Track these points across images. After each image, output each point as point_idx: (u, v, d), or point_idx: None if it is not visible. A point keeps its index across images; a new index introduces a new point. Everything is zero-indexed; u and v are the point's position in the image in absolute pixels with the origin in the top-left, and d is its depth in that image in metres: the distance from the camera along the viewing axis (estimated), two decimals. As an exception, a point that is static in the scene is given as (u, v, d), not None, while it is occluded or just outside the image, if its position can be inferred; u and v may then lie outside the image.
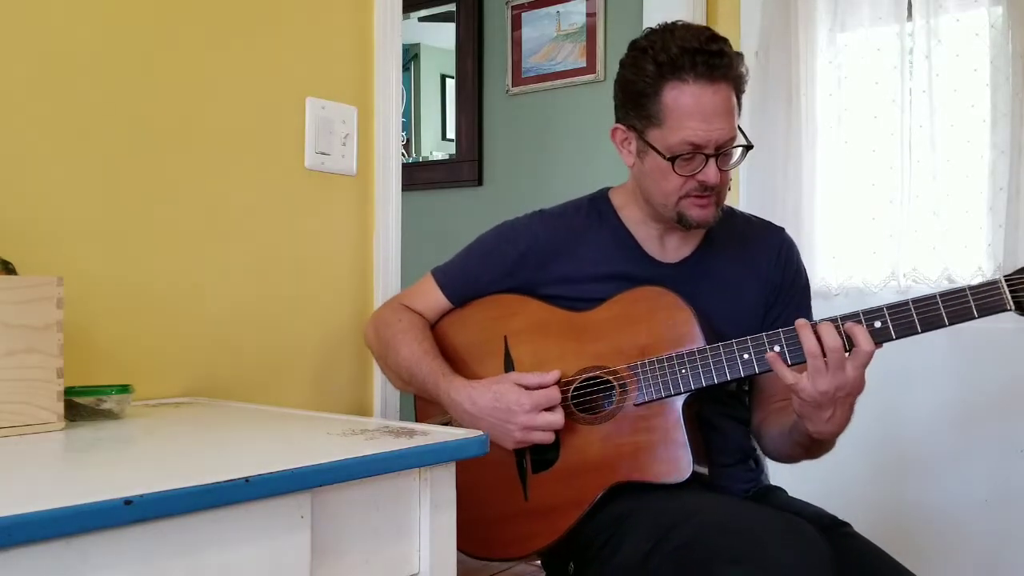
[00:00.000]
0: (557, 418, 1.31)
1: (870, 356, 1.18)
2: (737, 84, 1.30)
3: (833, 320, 1.20)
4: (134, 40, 1.35)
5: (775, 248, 1.45)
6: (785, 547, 1.07)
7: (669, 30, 1.30)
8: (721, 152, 1.29)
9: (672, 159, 1.29)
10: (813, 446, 1.30)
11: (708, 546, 1.11)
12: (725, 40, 1.30)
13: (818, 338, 1.18)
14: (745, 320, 1.33)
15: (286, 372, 1.56)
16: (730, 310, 1.37)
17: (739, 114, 1.32)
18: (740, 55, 1.31)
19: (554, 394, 1.31)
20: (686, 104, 1.27)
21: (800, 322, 1.21)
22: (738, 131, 1.31)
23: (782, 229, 1.50)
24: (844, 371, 1.17)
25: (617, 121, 1.38)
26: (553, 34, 3.01)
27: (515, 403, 1.30)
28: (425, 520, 0.97)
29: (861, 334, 1.17)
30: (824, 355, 1.17)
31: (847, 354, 1.18)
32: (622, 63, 1.35)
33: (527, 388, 1.31)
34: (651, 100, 1.29)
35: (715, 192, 1.32)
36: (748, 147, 1.33)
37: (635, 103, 1.32)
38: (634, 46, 1.33)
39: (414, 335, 1.42)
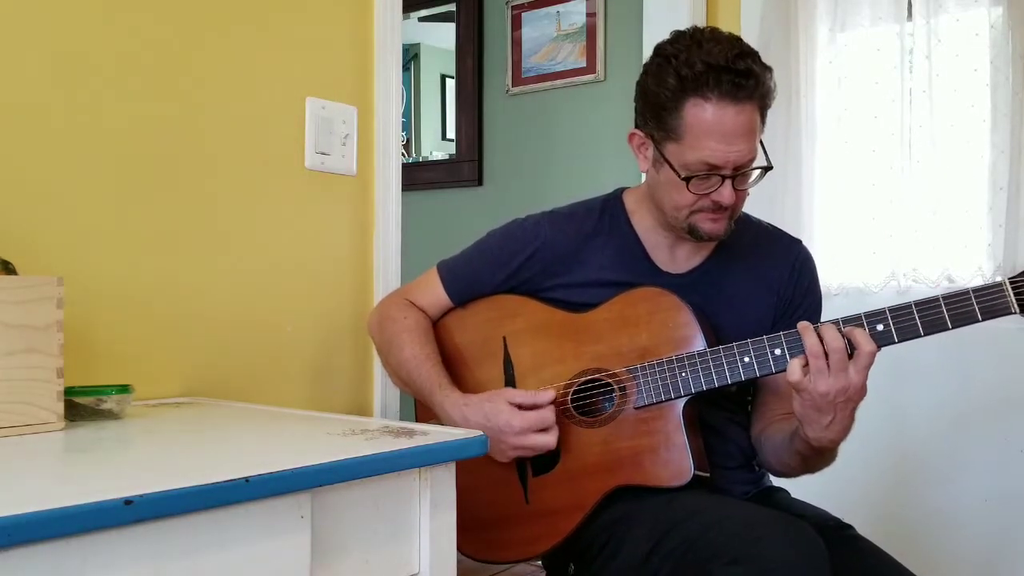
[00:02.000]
0: (549, 440, 1.30)
1: (872, 357, 1.16)
2: (763, 101, 1.25)
3: (835, 322, 1.19)
4: (134, 40, 1.35)
5: (789, 261, 1.42)
6: (783, 547, 1.07)
7: (697, 41, 1.24)
8: (738, 173, 1.26)
9: (687, 178, 1.26)
10: (812, 456, 1.28)
11: (707, 546, 1.11)
12: (753, 55, 1.24)
13: (820, 339, 1.17)
14: (751, 334, 1.28)
15: (286, 372, 1.56)
16: (737, 322, 1.35)
17: (762, 130, 1.28)
18: (769, 70, 1.25)
19: (547, 415, 1.30)
20: (706, 123, 1.22)
21: (803, 324, 1.19)
22: (759, 149, 1.27)
23: (799, 241, 1.46)
24: (847, 373, 1.16)
25: (636, 126, 1.35)
26: (553, 34, 3.01)
27: (505, 424, 1.29)
28: (425, 520, 0.97)
29: (861, 336, 1.16)
30: (827, 356, 1.16)
31: (850, 357, 1.16)
32: (646, 68, 1.30)
33: (520, 407, 1.30)
34: (671, 114, 1.25)
35: (729, 208, 1.28)
36: (767, 168, 1.29)
37: (654, 114, 1.28)
38: (659, 52, 1.28)
39: (417, 336, 1.41)
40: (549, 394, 1.31)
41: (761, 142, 1.29)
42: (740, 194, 1.29)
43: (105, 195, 1.33)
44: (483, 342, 1.43)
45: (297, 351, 1.58)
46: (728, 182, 1.26)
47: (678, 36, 1.28)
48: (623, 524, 1.26)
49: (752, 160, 1.26)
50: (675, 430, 1.28)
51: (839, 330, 1.17)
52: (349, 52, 1.67)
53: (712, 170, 1.25)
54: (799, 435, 1.24)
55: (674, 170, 1.27)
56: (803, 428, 1.22)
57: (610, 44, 2.89)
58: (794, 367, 1.18)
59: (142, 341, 1.36)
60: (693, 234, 1.32)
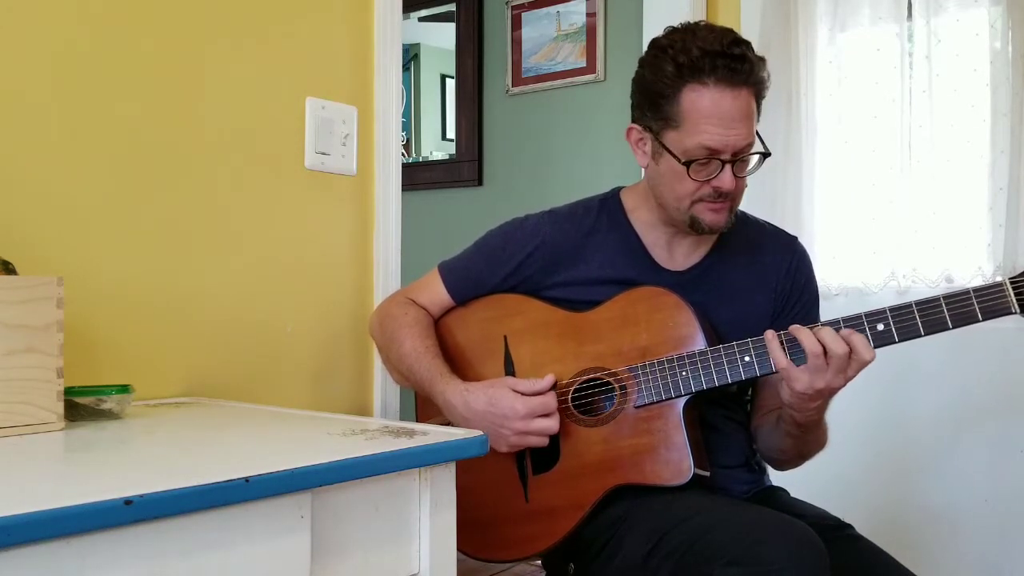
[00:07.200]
0: (552, 424, 1.30)
1: (868, 364, 1.19)
2: (758, 89, 1.28)
3: (834, 324, 1.21)
4: (134, 41, 1.35)
5: (786, 258, 1.43)
6: (783, 548, 1.07)
7: (691, 30, 1.27)
8: (738, 158, 1.28)
9: (688, 163, 1.27)
10: (802, 435, 1.30)
11: (707, 547, 1.12)
12: (748, 44, 1.27)
13: (820, 341, 1.18)
14: (752, 329, 1.29)
15: (286, 372, 1.56)
16: (737, 319, 1.36)
17: (758, 120, 1.30)
18: (762, 60, 1.28)
19: (549, 400, 1.31)
20: (705, 107, 1.25)
21: (794, 327, 1.21)
22: (756, 137, 1.29)
23: (795, 238, 1.48)
24: (846, 373, 1.19)
25: (633, 121, 1.36)
26: (553, 34, 3.01)
27: (509, 409, 1.29)
28: (425, 520, 0.97)
29: (861, 343, 1.18)
30: (826, 355, 1.18)
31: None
32: (641, 62, 1.32)
33: (523, 394, 1.31)
34: (669, 101, 1.27)
35: (729, 198, 1.30)
36: (765, 154, 1.31)
37: (652, 104, 1.30)
38: (655, 45, 1.31)
39: (418, 331, 1.41)
40: (549, 379, 1.32)
41: (758, 132, 1.30)
42: (739, 182, 1.30)
43: (105, 195, 1.33)
44: (484, 341, 1.43)
45: (297, 351, 1.58)
46: (728, 167, 1.27)
47: (673, 30, 1.30)
48: (623, 524, 1.26)
49: (750, 145, 1.28)
50: (675, 429, 1.28)
51: (837, 331, 1.19)
52: (349, 52, 1.67)
53: (712, 154, 1.26)
54: (785, 418, 1.28)
55: (675, 156, 1.28)
56: (789, 412, 1.25)
57: (610, 44, 2.89)
58: (779, 355, 1.22)
59: (142, 341, 1.36)
60: (695, 226, 1.33)
